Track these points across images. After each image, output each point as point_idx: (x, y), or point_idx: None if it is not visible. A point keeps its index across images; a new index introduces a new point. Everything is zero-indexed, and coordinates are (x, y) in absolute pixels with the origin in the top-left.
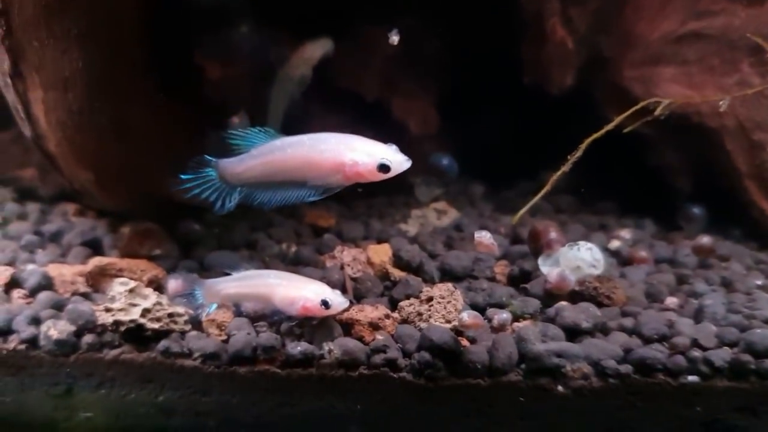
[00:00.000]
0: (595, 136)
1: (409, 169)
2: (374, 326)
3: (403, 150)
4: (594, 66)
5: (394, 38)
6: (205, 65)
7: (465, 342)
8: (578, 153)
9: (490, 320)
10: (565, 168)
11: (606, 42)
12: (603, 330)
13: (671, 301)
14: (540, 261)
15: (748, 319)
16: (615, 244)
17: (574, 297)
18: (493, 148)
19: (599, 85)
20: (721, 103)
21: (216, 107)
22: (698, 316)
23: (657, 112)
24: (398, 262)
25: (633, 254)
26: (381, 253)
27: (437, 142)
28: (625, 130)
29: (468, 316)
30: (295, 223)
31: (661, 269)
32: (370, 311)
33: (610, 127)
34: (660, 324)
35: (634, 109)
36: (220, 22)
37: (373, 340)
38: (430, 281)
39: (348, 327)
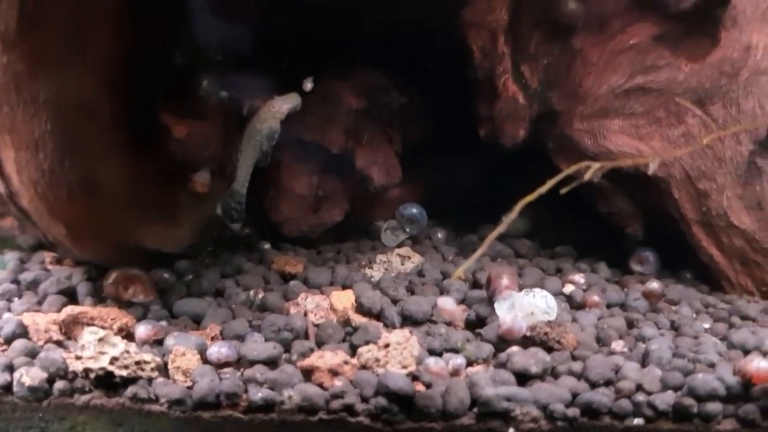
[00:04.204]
0: (529, 198)
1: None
2: (333, 372)
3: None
4: (546, 119)
5: (308, 85)
6: (169, 124)
7: (421, 386)
8: (513, 215)
9: (445, 365)
10: (500, 229)
11: (557, 96)
12: (552, 374)
13: (619, 345)
14: (496, 306)
15: (693, 362)
16: (569, 288)
17: (526, 342)
18: (456, 195)
19: (551, 137)
20: (650, 164)
21: (183, 163)
22: (644, 360)
23: (586, 177)
24: (360, 308)
25: (585, 298)
26: (344, 299)
27: (402, 189)
28: (564, 190)
29: (433, 364)
30: (264, 270)
31: (612, 313)
32: (329, 357)
33: (550, 185)
34: (606, 368)
35: (576, 167)
36: (186, 81)
37: (333, 386)
38: (391, 326)
39: (308, 373)
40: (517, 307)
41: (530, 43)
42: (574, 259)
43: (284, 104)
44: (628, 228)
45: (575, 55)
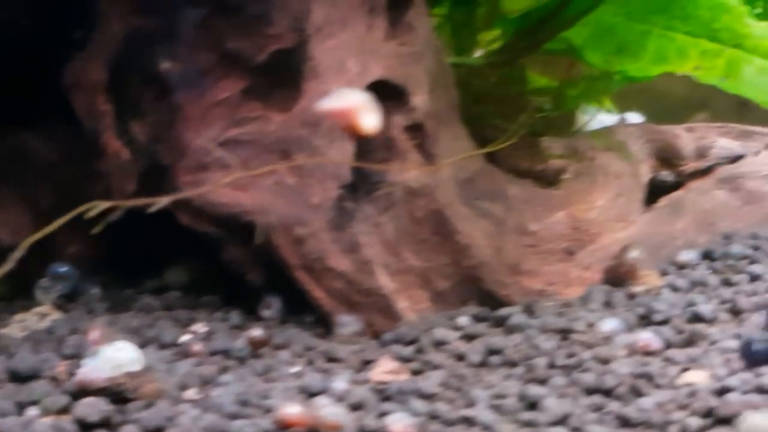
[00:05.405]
0: (49, 229)
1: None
2: None
3: None
4: (156, 173)
5: None
6: None
7: None
8: (29, 242)
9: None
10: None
11: (163, 151)
12: (117, 424)
13: (193, 393)
14: (83, 361)
15: (252, 408)
16: (184, 337)
17: (102, 393)
18: (120, 250)
19: (164, 191)
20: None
21: None
22: (207, 408)
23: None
24: None
25: (190, 347)
26: None
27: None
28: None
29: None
30: None
31: (211, 361)
32: None
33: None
34: (161, 417)
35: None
36: None
37: None
38: None
39: None
40: (104, 359)
41: (140, 100)
42: (214, 309)
43: None
44: (248, 275)
45: (177, 111)
